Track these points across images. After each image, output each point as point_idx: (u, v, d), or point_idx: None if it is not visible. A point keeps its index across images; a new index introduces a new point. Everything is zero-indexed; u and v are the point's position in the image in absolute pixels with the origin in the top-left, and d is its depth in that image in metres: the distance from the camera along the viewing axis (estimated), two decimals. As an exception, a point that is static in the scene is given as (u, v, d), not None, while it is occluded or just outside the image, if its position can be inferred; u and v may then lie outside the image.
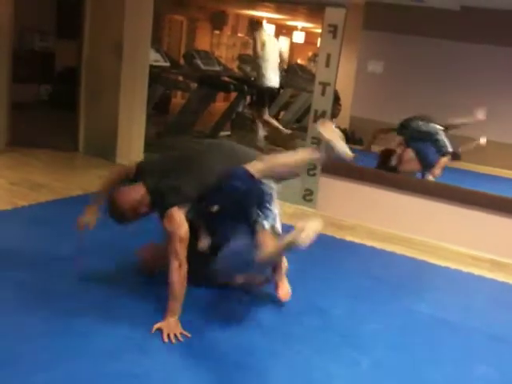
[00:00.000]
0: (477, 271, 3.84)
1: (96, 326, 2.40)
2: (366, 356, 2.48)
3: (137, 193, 2.52)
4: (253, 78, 7.22)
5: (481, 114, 5.13)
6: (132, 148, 5.57)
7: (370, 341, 2.64)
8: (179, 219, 2.43)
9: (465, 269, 3.86)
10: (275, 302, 2.88)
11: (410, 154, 5.01)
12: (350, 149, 6.44)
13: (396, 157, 5.08)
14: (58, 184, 4.59)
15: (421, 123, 5.12)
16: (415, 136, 5.09)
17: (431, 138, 5.05)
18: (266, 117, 6.86)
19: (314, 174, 4.78)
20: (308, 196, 4.83)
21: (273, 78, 6.75)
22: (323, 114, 4.70)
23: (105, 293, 2.70)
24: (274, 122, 7.02)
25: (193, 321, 2.49)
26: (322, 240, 4.08)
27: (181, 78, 7.47)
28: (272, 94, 7.08)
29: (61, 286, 2.72)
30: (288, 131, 7.02)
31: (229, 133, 7.52)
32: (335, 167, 4.86)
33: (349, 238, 4.20)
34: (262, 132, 6.93)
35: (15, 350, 2.15)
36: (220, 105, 9.38)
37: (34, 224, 3.59)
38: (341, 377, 2.30)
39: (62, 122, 6.37)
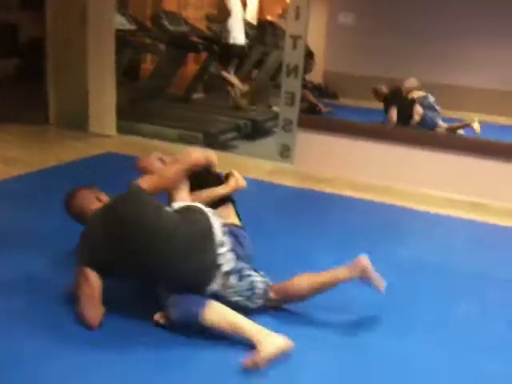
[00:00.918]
0: (455, 213, 3.91)
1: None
2: (352, 301, 2.53)
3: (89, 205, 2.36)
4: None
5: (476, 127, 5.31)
6: (105, 116, 5.48)
7: (355, 286, 2.68)
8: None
9: (443, 212, 3.92)
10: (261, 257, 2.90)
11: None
12: (325, 104, 6.52)
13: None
14: (31, 157, 4.51)
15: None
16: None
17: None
18: (224, 73, 6.82)
19: (290, 130, 4.76)
20: (285, 152, 4.82)
21: (238, 35, 6.70)
22: (295, 68, 4.66)
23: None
24: (231, 79, 6.93)
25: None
26: (300, 193, 4.16)
27: (149, 41, 7.31)
28: (238, 51, 7.00)
29: (43, 264, 2.67)
30: (245, 88, 6.96)
31: (202, 95, 7.42)
32: (312, 122, 4.86)
33: (328, 190, 4.22)
34: (238, 91, 6.85)
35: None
36: (192, 68, 9.23)
37: (9, 198, 3.54)
38: (332, 321, 2.35)
39: (32, 96, 6.21)
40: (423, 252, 3.19)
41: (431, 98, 5.50)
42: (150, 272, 2.22)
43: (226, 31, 6.62)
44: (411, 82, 5.66)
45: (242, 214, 3.55)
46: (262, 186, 4.26)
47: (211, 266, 2.21)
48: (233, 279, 2.25)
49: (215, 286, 2.22)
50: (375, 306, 2.53)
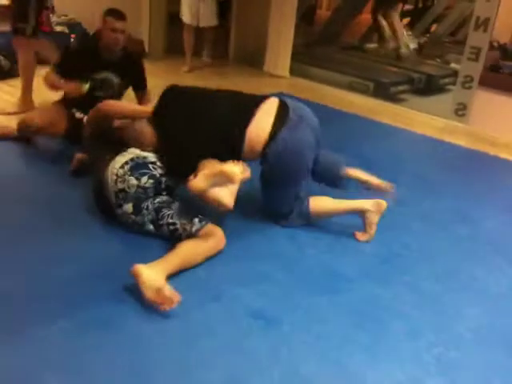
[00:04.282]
0: None
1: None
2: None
3: None
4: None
5: None
6: (280, 57, 5.62)
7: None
8: None
9: None
10: (423, 210, 2.88)
11: None
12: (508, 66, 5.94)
13: None
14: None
15: None
16: None
17: None
18: (395, 20, 6.57)
19: (469, 87, 4.50)
20: (460, 111, 4.58)
21: None
22: (486, 22, 4.34)
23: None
24: (400, 31, 6.64)
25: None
26: (472, 155, 3.96)
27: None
28: None
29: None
30: (407, 53, 6.60)
31: (376, 45, 7.23)
32: (496, 81, 4.53)
33: (503, 156, 3.95)
34: (412, 43, 6.59)
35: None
36: (367, 17, 9.00)
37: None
38: (484, 280, 2.29)
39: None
40: None
41: None
42: None
43: None
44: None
45: (410, 168, 3.52)
46: (431, 143, 4.13)
47: None
48: None
49: None
50: None
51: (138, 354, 1.69)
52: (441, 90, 5.69)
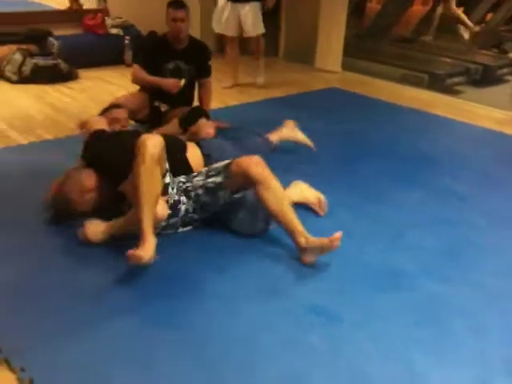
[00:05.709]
0: None
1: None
2: None
3: None
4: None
5: None
6: (331, 52, 5.56)
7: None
8: None
9: None
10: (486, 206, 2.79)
11: None
12: None
13: None
14: (260, 87, 4.86)
15: None
16: None
17: None
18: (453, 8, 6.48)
19: (531, 77, 4.33)
20: (521, 102, 4.42)
21: None
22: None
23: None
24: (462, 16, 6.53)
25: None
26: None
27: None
28: None
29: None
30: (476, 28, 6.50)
31: (431, 37, 7.07)
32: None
33: None
34: (466, 34, 6.45)
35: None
36: (418, 8, 8.81)
37: (242, 119, 3.78)
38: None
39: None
40: None
41: None
42: None
43: None
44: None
45: (471, 163, 3.42)
46: (492, 136, 4.00)
47: None
48: None
49: None
50: None
51: (203, 350, 1.71)
52: (498, 80, 5.51)
